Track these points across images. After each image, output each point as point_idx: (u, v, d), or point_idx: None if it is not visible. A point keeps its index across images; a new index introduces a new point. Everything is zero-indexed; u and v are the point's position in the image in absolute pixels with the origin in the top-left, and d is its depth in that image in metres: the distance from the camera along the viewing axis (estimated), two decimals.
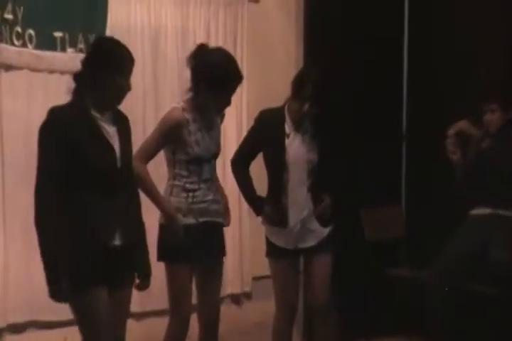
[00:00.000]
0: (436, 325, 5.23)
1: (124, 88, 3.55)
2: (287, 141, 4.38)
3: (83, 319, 3.56)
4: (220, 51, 4.18)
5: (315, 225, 4.38)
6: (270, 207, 4.42)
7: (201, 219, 4.08)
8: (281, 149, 4.34)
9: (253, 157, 4.51)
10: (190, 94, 4.09)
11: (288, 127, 4.38)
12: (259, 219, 4.55)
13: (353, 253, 5.28)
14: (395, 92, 6.25)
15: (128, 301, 3.77)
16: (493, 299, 5.11)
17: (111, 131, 3.57)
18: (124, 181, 3.62)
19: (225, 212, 4.30)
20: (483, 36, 5.69)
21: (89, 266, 3.44)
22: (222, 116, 4.33)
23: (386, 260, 5.78)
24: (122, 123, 3.65)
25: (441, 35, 5.99)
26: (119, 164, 3.56)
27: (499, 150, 5.13)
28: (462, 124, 5.24)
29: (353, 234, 5.44)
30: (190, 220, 4.06)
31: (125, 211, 3.61)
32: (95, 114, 3.51)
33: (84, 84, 3.53)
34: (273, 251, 4.47)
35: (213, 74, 4.00)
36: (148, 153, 4.07)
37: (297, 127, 4.37)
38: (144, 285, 3.76)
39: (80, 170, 3.45)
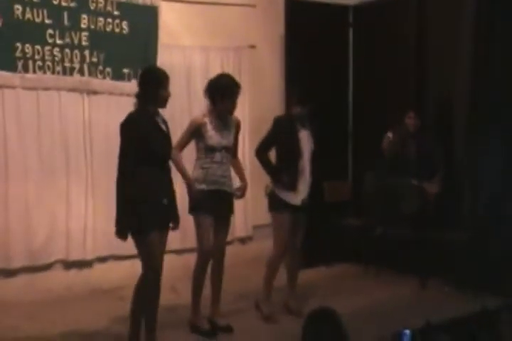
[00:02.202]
0: None
1: (165, 96, 3.98)
2: (299, 135, 4.75)
3: (145, 251, 3.87)
4: (223, 74, 4.65)
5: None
6: (288, 178, 4.66)
7: (212, 187, 4.47)
8: (297, 140, 4.72)
9: (271, 148, 4.81)
10: (209, 106, 4.50)
11: (297, 126, 4.76)
12: (260, 189, 4.92)
13: (318, 211, 5.34)
14: (343, 105, 6.60)
15: (166, 239, 4.09)
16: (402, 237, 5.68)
17: (163, 128, 4.03)
18: (168, 161, 4.08)
19: (243, 188, 4.63)
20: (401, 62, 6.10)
21: (153, 215, 3.85)
22: (239, 126, 4.66)
23: (339, 214, 6.24)
24: (166, 123, 4.09)
25: (376, 64, 6.33)
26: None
27: (414, 144, 5.67)
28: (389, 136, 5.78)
29: (319, 198, 5.64)
30: (203, 186, 4.46)
31: (169, 182, 4.05)
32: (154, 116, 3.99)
33: (143, 97, 3.93)
34: (283, 207, 4.71)
35: (222, 87, 4.41)
36: (181, 144, 4.52)
37: (302, 125, 4.78)
38: (176, 227, 4.12)
39: (147, 152, 3.81)
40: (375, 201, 5.85)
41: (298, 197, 4.77)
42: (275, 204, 4.79)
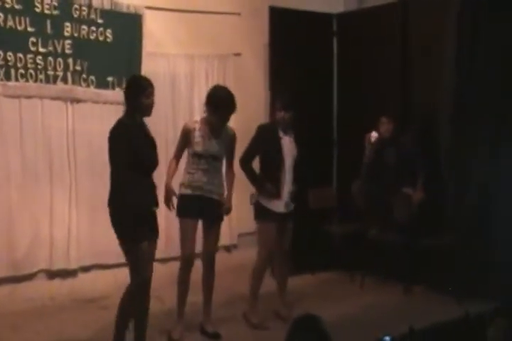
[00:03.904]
0: None
1: (148, 105, 3.97)
2: (282, 142, 4.81)
3: (136, 260, 3.84)
4: (226, 89, 4.65)
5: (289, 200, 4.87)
6: (271, 186, 4.71)
7: (197, 193, 4.52)
8: (280, 148, 4.78)
9: (255, 156, 4.86)
10: (203, 113, 4.58)
11: (280, 133, 4.82)
12: (245, 197, 4.91)
13: (303, 218, 5.30)
14: (328, 113, 6.68)
15: (155, 249, 4.12)
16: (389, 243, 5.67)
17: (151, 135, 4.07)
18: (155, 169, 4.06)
19: (228, 200, 4.61)
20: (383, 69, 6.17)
21: (146, 224, 3.86)
22: (234, 138, 4.65)
23: (324, 221, 6.25)
24: (149, 132, 4.12)
25: (360, 72, 6.38)
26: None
27: (393, 150, 5.68)
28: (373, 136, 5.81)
29: (304, 204, 5.73)
30: (188, 191, 4.53)
31: (155, 189, 4.04)
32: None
33: (127, 105, 3.96)
34: (268, 216, 4.77)
35: (220, 101, 4.47)
36: (177, 150, 4.59)
37: (285, 132, 4.84)
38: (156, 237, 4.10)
39: (136, 158, 3.81)
40: (365, 208, 5.83)
41: (282, 204, 4.79)
42: (260, 213, 4.83)
